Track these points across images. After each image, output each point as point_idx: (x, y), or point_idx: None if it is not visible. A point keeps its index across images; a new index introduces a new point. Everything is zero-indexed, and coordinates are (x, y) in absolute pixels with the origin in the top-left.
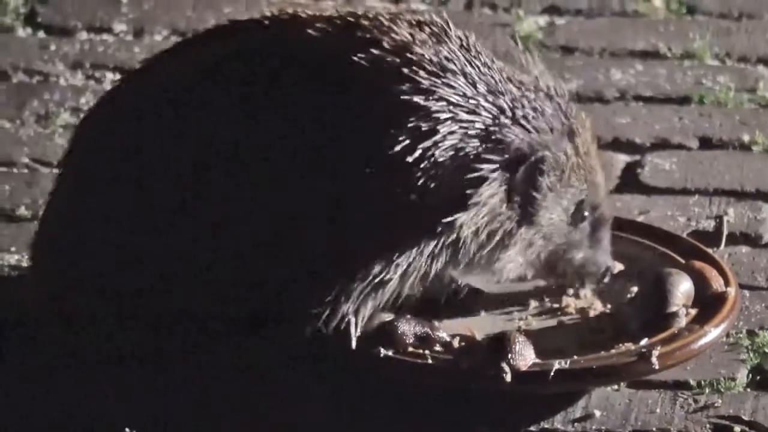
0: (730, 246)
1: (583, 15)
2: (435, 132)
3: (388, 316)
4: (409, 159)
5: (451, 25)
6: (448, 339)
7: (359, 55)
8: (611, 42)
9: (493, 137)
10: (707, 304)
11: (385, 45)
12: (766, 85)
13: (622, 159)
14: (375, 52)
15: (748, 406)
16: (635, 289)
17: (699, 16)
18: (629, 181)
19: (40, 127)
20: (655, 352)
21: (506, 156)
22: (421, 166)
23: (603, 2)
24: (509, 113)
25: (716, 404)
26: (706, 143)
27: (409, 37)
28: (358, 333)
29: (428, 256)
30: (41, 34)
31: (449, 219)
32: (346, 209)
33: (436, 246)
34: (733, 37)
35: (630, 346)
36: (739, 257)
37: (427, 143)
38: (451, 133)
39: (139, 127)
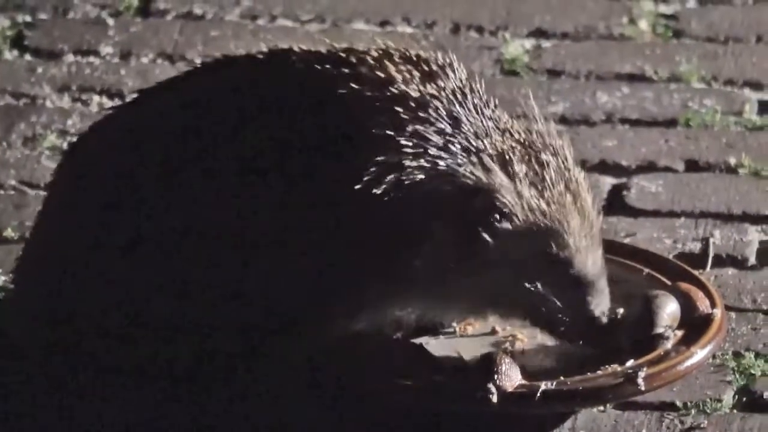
0: (716, 268)
1: (570, 38)
2: (402, 167)
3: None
4: (376, 191)
5: (456, 66)
6: (436, 359)
7: (340, 89)
8: (598, 65)
9: (458, 178)
10: (694, 326)
11: (367, 80)
12: (752, 108)
13: (608, 182)
14: (355, 86)
15: (735, 427)
16: (621, 310)
17: (685, 40)
18: (616, 204)
19: (27, 149)
20: (642, 374)
21: (467, 198)
22: (385, 199)
23: (589, 26)
24: (486, 159)
25: (702, 425)
26: (692, 166)
27: (395, 74)
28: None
29: (392, 289)
30: (28, 56)
31: (406, 254)
32: (317, 236)
33: (393, 279)
34: (719, 61)
35: (616, 367)
36: (726, 279)
37: (392, 177)
38: (420, 168)
39: (130, 155)
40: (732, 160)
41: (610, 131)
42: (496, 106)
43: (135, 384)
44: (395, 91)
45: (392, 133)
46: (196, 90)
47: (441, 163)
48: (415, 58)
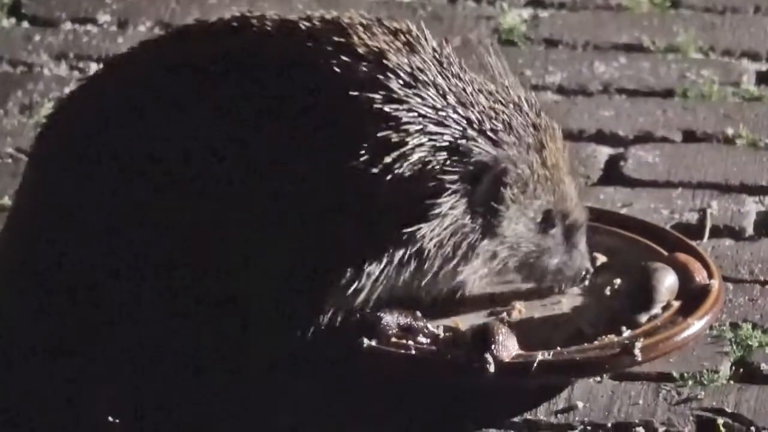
0: (713, 239)
1: (567, 8)
2: (404, 144)
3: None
4: (374, 170)
5: (427, 34)
6: (432, 329)
7: (332, 60)
8: (595, 35)
9: (459, 150)
10: (691, 297)
11: (360, 51)
12: (749, 78)
13: (605, 152)
14: (348, 59)
15: (731, 398)
16: (619, 281)
17: (683, 10)
18: (613, 174)
19: (24, 117)
20: (638, 345)
21: (469, 168)
22: (387, 177)
23: None
24: (477, 126)
25: (699, 397)
26: (689, 137)
27: (385, 45)
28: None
29: (395, 266)
30: (25, 24)
31: (411, 229)
32: (315, 216)
33: (401, 256)
34: (717, 31)
35: (613, 338)
36: (723, 250)
37: (394, 154)
38: (420, 145)
39: (106, 127)
40: (729, 131)
41: (607, 102)
42: (466, 70)
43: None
44: (388, 65)
45: (390, 110)
46: (175, 59)
47: (444, 137)
48: (391, 29)
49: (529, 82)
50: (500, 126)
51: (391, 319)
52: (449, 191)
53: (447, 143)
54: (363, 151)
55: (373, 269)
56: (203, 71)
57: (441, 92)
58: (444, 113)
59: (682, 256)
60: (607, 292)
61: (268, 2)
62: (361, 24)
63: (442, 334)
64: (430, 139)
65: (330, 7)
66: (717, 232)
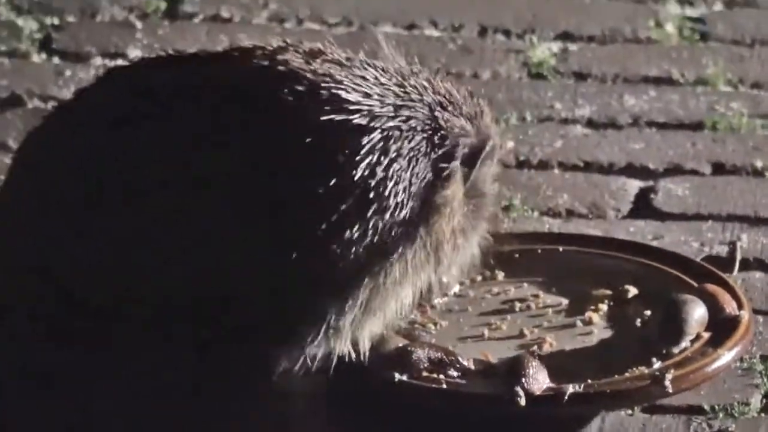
0: (743, 272)
1: (596, 41)
2: (387, 148)
3: (401, 342)
4: (371, 182)
5: (333, 47)
6: (463, 362)
7: (284, 89)
8: (624, 68)
9: (437, 134)
10: (720, 328)
11: (308, 75)
12: None
13: (635, 185)
14: (299, 87)
15: (762, 431)
16: (648, 313)
17: (712, 43)
18: (643, 207)
19: None
20: (669, 376)
21: (463, 149)
22: (386, 183)
23: (616, 29)
24: (437, 107)
25: (730, 429)
26: (719, 169)
27: (322, 65)
28: (365, 353)
29: (414, 267)
30: (56, 59)
31: (427, 225)
32: (322, 240)
33: (420, 255)
34: (746, 64)
35: (643, 369)
36: (753, 283)
37: (383, 159)
38: (399, 145)
39: (82, 148)
40: (759, 163)
41: (636, 134)
42: (385, 69)
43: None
44: (339, 81)
45: (358, 120)
46: (146, 85)
47: (416, 127)
48: (307, 51)
49: (558, 115)
50: (449, 104)
51: (422, 353)
52: (450, 176)
53: (423, 131)
54: (353, 165)
55: (390, 279)
56: (158, 97)
57: (387, 90)
58: (402, 104)
59: (712, 288)
60: (638, 323)
61: (299, 37)
62: (280, 48)
63: (473, 367)
64: (404, 132)
65: (357, 43)
66: (747, 265)
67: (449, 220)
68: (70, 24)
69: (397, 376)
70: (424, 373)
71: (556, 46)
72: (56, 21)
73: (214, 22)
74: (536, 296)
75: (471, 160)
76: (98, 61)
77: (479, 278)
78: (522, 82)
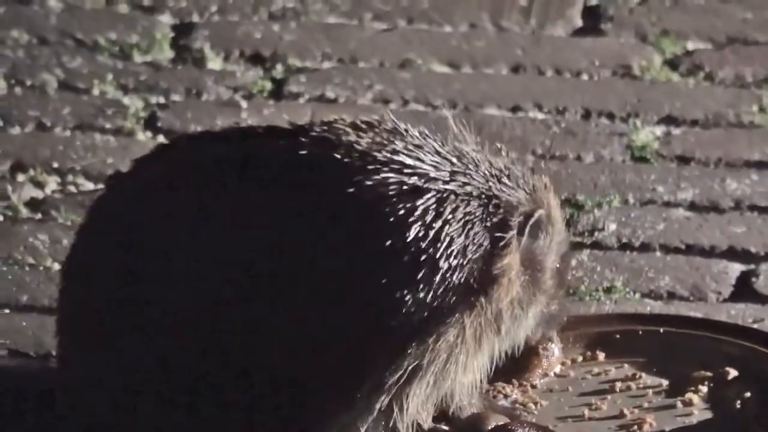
0: None
1: (699, 125)
2: (441, 210)
3: (502, 420)
4: (424, 243)
5: (393, 118)
6: None
7: (338, 155)
8: (727, 152)
9: (492, 201)
10: None
11: (362, 143)
12: None
13: (736, 268)
14: (353, 153)
15: None
16: (749, 394)
17: None
18: (744, 290)
19: None
20: None
21: (518, 217)
22: (438, 246)
23: (719, 113)
24: (492, 178)
25: None
26: None
27: (378, 135)
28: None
29: (474, 336)
30: (161, 138)
31: (485, 294)
32: (373, 301)
33: (479, 323)
34: None
35: None
36: None
37: (437, 221)
38: (454, 207)
39: (135, 233)
40: None
41: (738, 218)
42: (444, 141)
43: None
44: (392, 149)
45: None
46: (198, 162)
47: (473, 193)
48: (365, 124)
49: (661, 198)
50: (505, 174)
51: None
52: (508, 246)
53: (479, 198)
54: (407, 228)
55: (445, 346)
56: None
57: (445, 158)
58: (461, 171)
59: None
60: (737, 405)
61: (403, 118)
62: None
63: None
64: (461, 199)
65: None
66: None
67: (508, 291)
68: (175, 103)
69: None
70: None
71: (659, 130)
72: (162, 100)
73: (319, 102)
74: (636, 377)
75: (524, 229)
76: None
77: (580, 359)
78: (625, 165)
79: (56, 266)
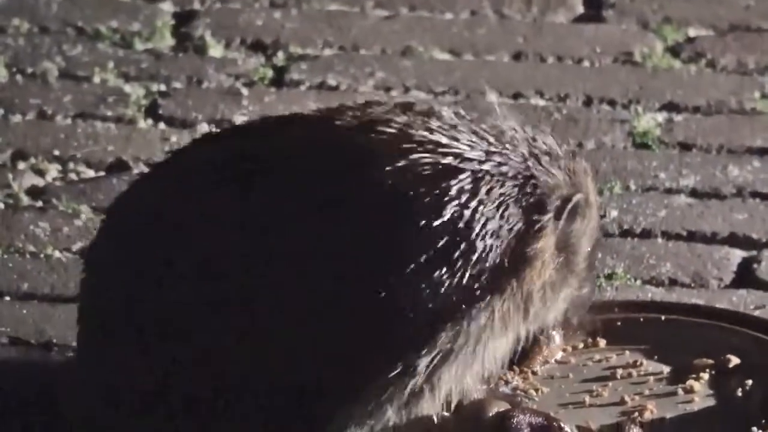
0: None
1: (701, 112)
2: (476, 190)
3: (503, 407)
4: (459, 223)
5: (433, 105)
6: (565, 429)
7: (373, 134)
8: (729, 139)
9: (529, 182)
10: None
11: (397, 121)
12: None
13: (738, 254)
14: (388, 131)
15: None
16: (750, 382)
17: None
18: (745, 277)
19: None
20: None
21: (556, 201)
22: (473, 226)
23: (721, 100)
24: (530, 158)
25: None
26: None
27: (413, 115)
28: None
29: (502, 319)
30: (162, 125)
31: (517, 276)
32: (409, 280)
33: (509, 305)
34: None
35: None
36: None
37: (472, 201)
38: (489, 188)
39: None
40: None
41: (740, 205)
42: (480, 121)
43: None
44: (415, 133)
45: (450, 161)
46: (218, 157)
47: (509, 174)
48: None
49: (662, 185)
50: (546, 156)
51: (523, 419)
52: (543, 228)
53: (515, 179)
54: (443, 206)
55: (473, 328)
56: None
57: (481, 137)
58: (497, 150)
59: None
60: (739, 393)
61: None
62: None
63: None
64: (497, 179)
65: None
66: None
67: (540, 273)
68: (176, 91)
69: None
70: None
71: (661, 117)
72: (163, 88)
73: (321, 90)
74: (638, 364)
75: (562, 212)
76: (204, 127)
77: (581, 345)
78: (627, 151)
79: (57, 254)
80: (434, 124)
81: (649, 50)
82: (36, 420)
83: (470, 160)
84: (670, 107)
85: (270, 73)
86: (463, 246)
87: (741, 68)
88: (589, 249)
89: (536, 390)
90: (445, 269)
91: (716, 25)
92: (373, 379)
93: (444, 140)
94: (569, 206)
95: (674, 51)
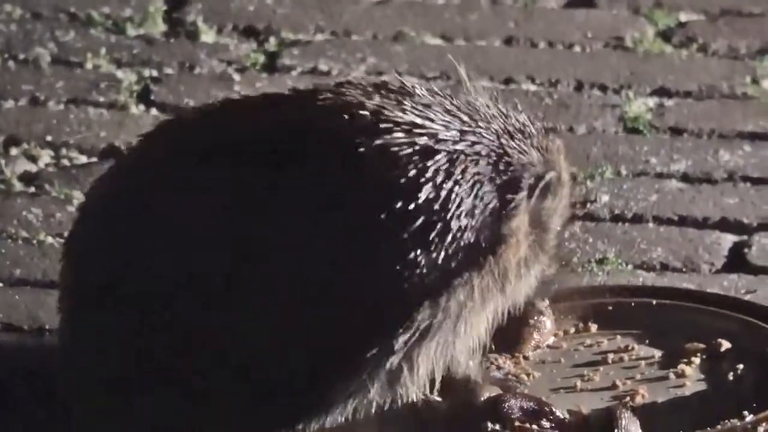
0: None
1: (693, 97)
2: (451, 171)
3: (495, 392)
4: (435, 204)
5: (405, 81)
6: (557, 413)
7: (347, 117)
8: (720, 124)
9: (502, 160)
10: None
11: (370, 104)
12: None
13: (729, 239)
14: (361, 114)
15: None
16: (741, 367)
17: None
18: (736, 261)
19: None
20: (761, 429)
21: (529, 179)
22: (449, 207)
23: (712, 85)
24: (504, 135)
25: None
26: None
27: (386, 95)
28: (425, 385)
29: (481, 295)
30: (154, 111)
31: (494, 254)
32: (386, 261)
33: (487, 282)
34: None
35: (736, 422)
36: None
37: (447, 182)
38: (464, 168)
39: (142, 212)
40: None
41: (731, 189)
42: (454, 98)
43: None
44: (389, 113)
45: (424, 142)
46: (201, 139)
47: (482, 152)
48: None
49: (654, 170)
50: (519, 134)
51: (515, 403)
52: (516, 207)
53: (488, 158)
54: (418, 189)
55: (453, 303)
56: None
57: (455, 116)
58: (470, 130)
59: None
60: (730, 377)
61: None
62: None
63: (567, 418)
64: (471, 159)
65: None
66: None
67: (516, 251)
68: (168, 76)
69: (490, 426)
70: (517, 424)
71: (652, 102)
72: (155, 73)
73: (312, 75)
74: (629, 348)
75: (534, 190)
76: None
77: (572, 330)
78: (618, 136)
79: (50, 240)
80: (408, 104)
81: (640, 35)
82: (30, 405)
83: (444, 140)
84: (662, 92)
85: (262, 58)
86: (439, 226)
87: (732, 53)
88: (560, 227)
89: (528, 375)
90: (420, 250)
91: (707, 10)
92: (351, 357)
93: (418, 120)
94: (541, 184)
95: (665, 36)
